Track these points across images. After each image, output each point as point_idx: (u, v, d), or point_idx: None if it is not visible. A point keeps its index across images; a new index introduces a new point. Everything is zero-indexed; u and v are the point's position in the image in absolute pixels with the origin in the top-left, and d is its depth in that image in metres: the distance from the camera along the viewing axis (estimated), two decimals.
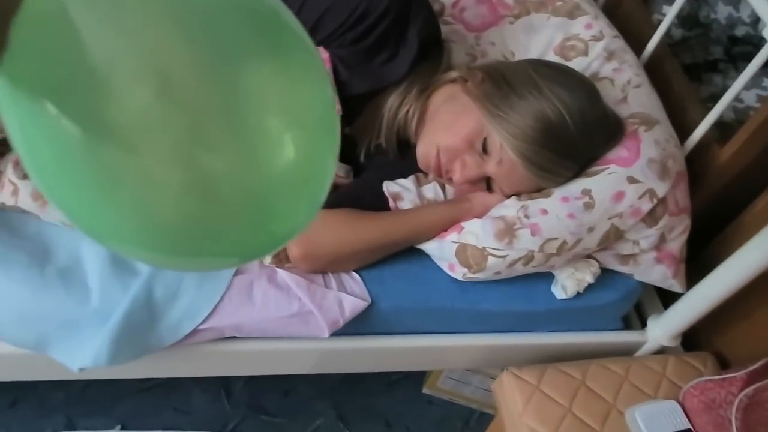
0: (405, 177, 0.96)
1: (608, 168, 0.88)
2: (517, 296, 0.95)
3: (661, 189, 0.88)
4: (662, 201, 0.88)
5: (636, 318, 1.10)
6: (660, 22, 1.07)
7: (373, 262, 0.92)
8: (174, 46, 0.33)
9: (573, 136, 0.83)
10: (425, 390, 1.37)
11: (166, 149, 0.33)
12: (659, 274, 0.95)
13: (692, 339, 1.05)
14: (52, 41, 0.31)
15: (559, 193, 0.88)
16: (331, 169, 0.40)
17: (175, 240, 0.37)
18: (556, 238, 0.86)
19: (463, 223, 0.89)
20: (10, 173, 0.85)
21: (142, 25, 0.32)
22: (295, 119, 0.38)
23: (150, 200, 0.34)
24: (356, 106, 0.95)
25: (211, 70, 0.35)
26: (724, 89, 1.19)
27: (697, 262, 1.02)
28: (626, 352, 1.06)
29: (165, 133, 0.33)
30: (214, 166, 0.34)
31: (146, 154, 0.33)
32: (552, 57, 1.03)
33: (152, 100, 0.32)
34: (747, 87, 0.98)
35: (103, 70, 0.31)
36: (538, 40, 1.05)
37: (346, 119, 0.94)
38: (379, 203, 0.92)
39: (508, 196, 0.90)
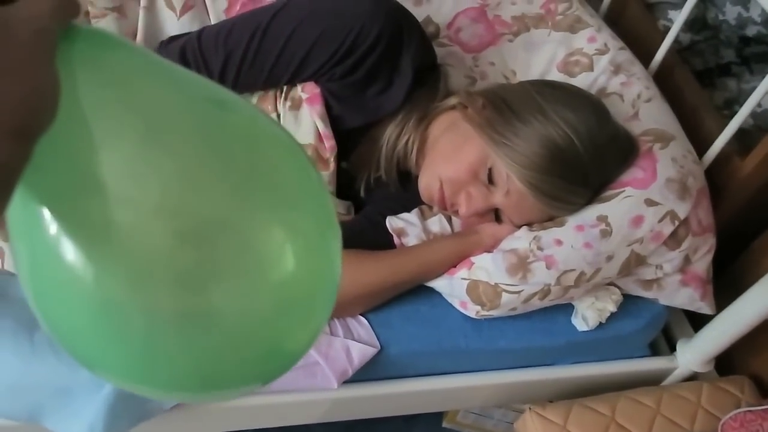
0: (408, 210, 0.91)
1: (624, 191, 0.82)
2: (535, 331, 0.89)
3: (682, 210, 0.82)
4: (684, 222, 0.82)
5: (664, 342, 1.04)
6: (666, 28, 1.02)
7: (380, 304, 0.87)
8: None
9: (583, 160, 0.78)
10: (445, 424, 1.31)
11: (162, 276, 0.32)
12: (686, 297, 0.89)
13: (725, 361, 0.99)
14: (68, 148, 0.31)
15: (573, 221, 0.82)
16: (337, 253, 0.37)
17: (183, 379, 0.35)
18: (573, 270, 0.81)
19: (473, 258, 0.84)
20: None
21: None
22: (289, 220, 0.35)
23: (154, 337, 0.33)
24: (352, 139, 0.90)
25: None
26: (740, 93, 1.14)
27: (724, 279, 0.96)
28: (655, 379, 1.00)
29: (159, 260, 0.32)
30: (214, 297, 0.32)
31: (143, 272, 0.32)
32: (555, 74, 0.98)
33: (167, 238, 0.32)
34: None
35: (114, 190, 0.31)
36: (539, 56, 1.00)
37: (343, 154, 0.90)
38: (383, 240, 0.87)
39: (519, 227, 0.85)
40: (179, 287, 0.32)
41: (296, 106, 0.85)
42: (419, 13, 1.00)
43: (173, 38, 0.90)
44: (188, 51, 0.84)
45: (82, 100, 0.29)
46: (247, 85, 0.86)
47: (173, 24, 0.91)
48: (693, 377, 0.99)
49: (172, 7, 0.91)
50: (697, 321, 0.98)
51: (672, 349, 1.00)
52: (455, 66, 0.98)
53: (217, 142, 0.33)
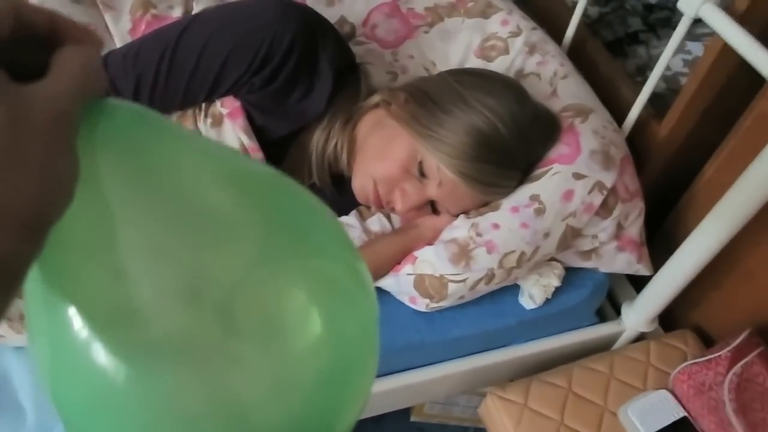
0: (346, 213, 0.91)
1: (551, 168, 0.84)
2: (486, 315, 0.90)
3: (608, 179, 0.84)
4: (612, 190, 0.85)
5: (610, 307, 1.07)
6: (575, 4, 1.05)
7: None
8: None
9: (509, 144, 0.79)
10: (413, 418, 1.32)
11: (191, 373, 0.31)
12: (624, 262, 0.92)
13: (668, 318, 1.03)
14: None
15: (507, 204, 0.83)
16: (373, 324, 0.36)
17: None
18: (513, 251, 0.82)
19: (415, 253, 0.84)
20: None
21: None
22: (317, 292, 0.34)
23: None
24: (281, 148, 0.89)
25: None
26: (650, 59, 1.19)
27: (657, 239, 1.00)
28: (606, 345, 1.03)
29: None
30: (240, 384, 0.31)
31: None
32: (474, 60, 0.99)
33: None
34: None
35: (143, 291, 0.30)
36: (456, 45, 1.01)
37: (273, 164, 0.88)
38: None
39: (456, 216, 0.86)
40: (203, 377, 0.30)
41: (217, 122, 0.83)
42: (332, 14, 0.99)
43: None
44: None
45: (102, 183, 0.27)
46: (162, 107, 0.83)
47: None
48: (640, 337, 1.02)
49: None
50: (639, 283, 1.01)
51: (618, 313, 1.03)
52: (375, 63, 0.97)
53: (244, 220, 0.32)
